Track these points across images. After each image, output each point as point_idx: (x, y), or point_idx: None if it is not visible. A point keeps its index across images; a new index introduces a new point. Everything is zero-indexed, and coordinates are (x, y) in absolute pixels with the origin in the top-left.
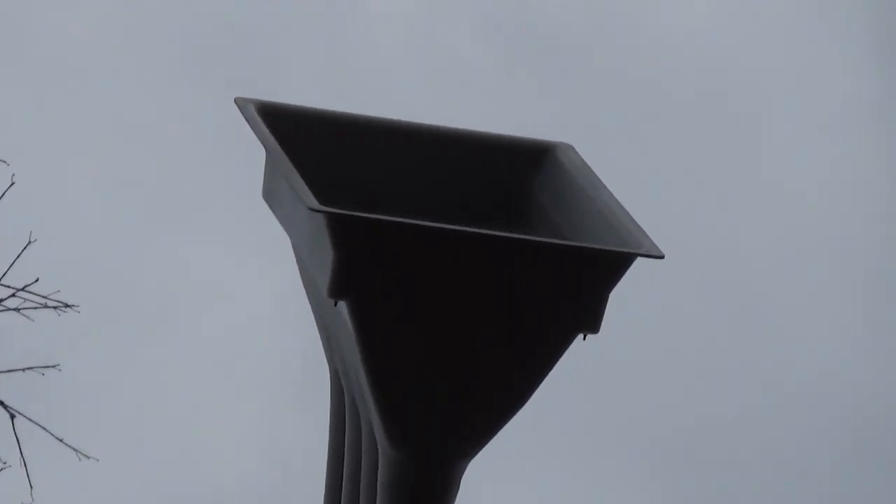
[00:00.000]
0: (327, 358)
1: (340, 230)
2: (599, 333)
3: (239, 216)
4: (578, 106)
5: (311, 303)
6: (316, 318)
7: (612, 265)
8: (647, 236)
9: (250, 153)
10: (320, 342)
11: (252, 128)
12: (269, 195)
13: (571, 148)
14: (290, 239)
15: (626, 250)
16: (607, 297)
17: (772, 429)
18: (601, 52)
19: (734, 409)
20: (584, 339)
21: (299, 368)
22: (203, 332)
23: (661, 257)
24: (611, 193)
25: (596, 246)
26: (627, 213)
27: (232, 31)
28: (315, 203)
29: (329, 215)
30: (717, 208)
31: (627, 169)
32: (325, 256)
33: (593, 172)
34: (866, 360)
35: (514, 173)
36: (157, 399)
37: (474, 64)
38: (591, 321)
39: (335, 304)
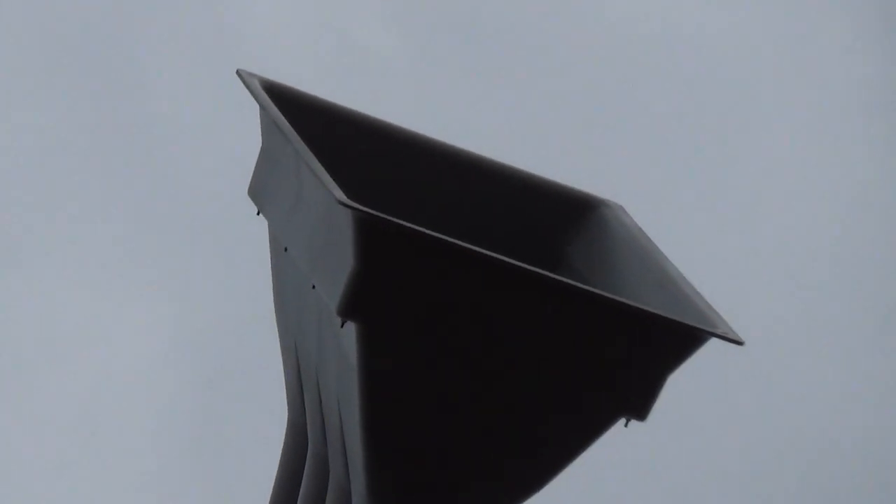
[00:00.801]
0: (289, 397)
1: (371, 236)
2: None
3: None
4: (520, 91)
5: (283, 326)
6: (287, 346)
7: (683, 342)
8: (719, 315)
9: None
10: (284, 381)
11: (260, 104)
12: (262, 191)
13: (621, 208)
14: (286, 244)
15: (705, 328)
16: (665, 379)
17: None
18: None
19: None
20: (626, 425)
21: (188, 423)
22: (65, 387)
23: (741, 343)
24: (673, 264)
25: (673, 317)
26: (693, 288)
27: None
28: (344, 197)
29: (361, 215)
30: (699, 210)
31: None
32: (341, 265)
33: (649, 238)
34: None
35: (547, 226)
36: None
37: (388, 49)
38: (641, 404)
39: (342, 325)
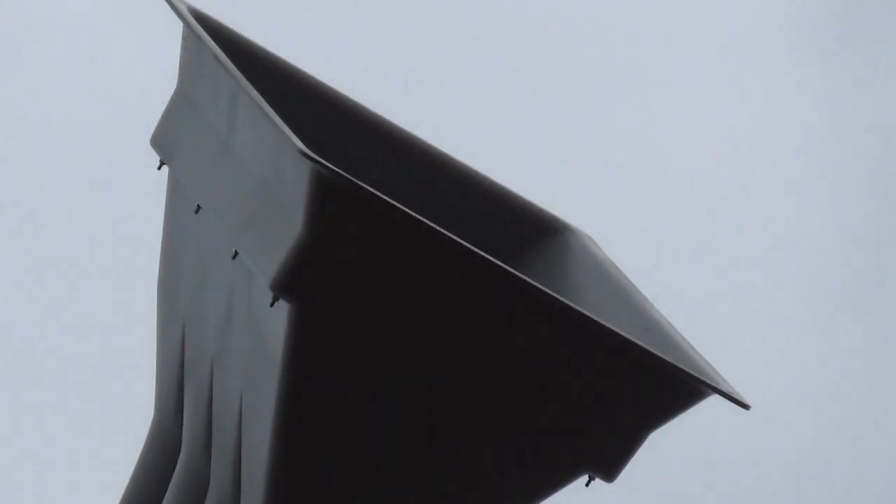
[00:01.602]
0: (160, 395)
1: (330, 199)
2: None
3: None
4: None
5: (169, 307)
6: (169, 332)
7: (679, 395)
8: (717, 371)
9: None
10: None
11: (191, 29)
12: (170, 140)
13: (589, 237)
14: (199, 202)
15: (710, 383)
16: (647, 436)
17: None
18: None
19: None
20: (588, 484)
21: None
22: None
23: (747, 407)
24: (656, 308)
25: (677, 363)
26: (683, 336)
27: None
28: (305, 148)
29: (323, 172)
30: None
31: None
32: (281, 231)
33: (625, 275)
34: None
35: (504, 240)
36: None
37: None
38: (611, 461)
39: (272, 304)
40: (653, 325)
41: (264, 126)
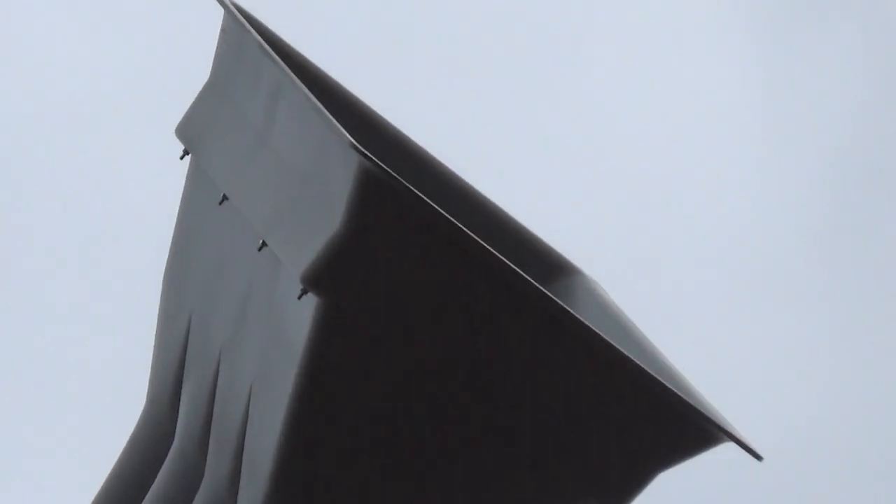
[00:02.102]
0: (155, 380)
1: (375, 195)
2: None
3: None
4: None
5: (175, 292)
6: (174, 316)
7: (696, 438)
8: (728, 421)
9: None
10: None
11: (233, 20)
12: (198, 130)
13: (596, 282)
14: (227, 192)
15: (728, 430)
16: (656, 475)
17: None
18: None
19: None
20: None
21: None
22: None
23: (760, 459)
24: (660, 350)
25: (701, 408)
26: (689, 380)
27: None
28: (353, 142)
29: (370, 168)
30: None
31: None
32: (317, 225)
33: (634, 323)
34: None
35: None
36: None
37: None
38: (618, 496)
39: (300, 296)
40: (664, 369)
41: (310, 117)
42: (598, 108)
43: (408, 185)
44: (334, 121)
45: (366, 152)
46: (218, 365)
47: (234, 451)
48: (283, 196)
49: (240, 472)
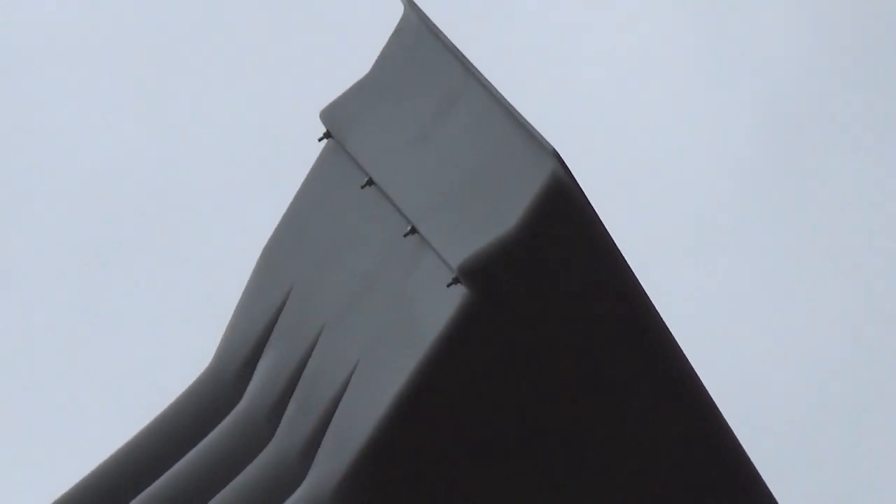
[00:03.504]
0: (228, 343)
1: (555, 206)
2: None
3: None
4: None
5: (277, 264)
6: (269, 286)
7: None
8: None
9: None
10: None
11: (426, 25)
12: (346, 117)
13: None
14: (376, 177)
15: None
16: None
17: None
18: None
19: None
20: None
21: None
22: None
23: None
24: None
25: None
26: None
27: None
28: (553, 148)
29: (559, 179)
30: None
31: None
32: (485, 221)
33: None
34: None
35: None
36: None
37: None
38: None
39: (449, 284)
40: None
41: (494, 120)
42: (534, 52)
43: (587, 198)
44: (533, 127)
45: (562, 159)
46: (316, 339)
47: (317, 425)
48: (446, 188)
49: (317, 443)
